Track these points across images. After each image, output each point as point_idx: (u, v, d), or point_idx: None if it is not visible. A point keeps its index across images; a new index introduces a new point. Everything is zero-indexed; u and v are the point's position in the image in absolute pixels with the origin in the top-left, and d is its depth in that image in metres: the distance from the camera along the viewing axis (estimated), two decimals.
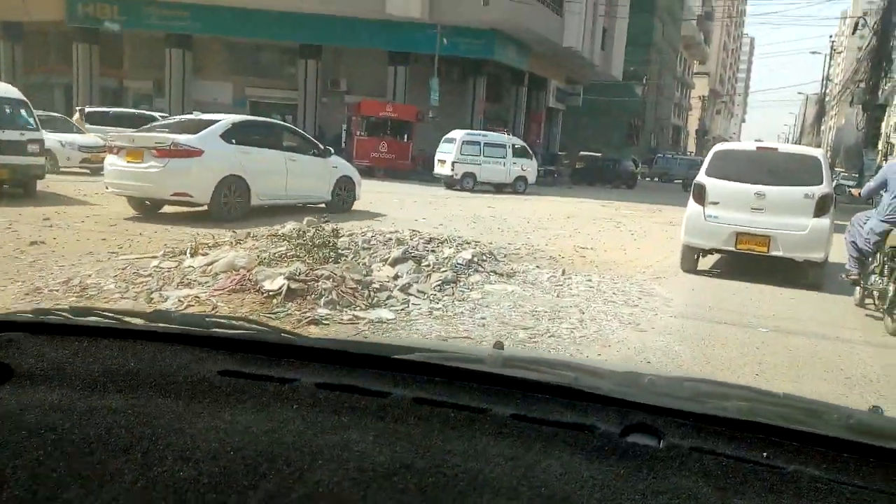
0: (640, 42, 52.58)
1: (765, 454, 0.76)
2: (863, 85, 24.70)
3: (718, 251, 8.32)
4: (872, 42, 23.80)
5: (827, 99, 50.51)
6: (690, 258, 8.33)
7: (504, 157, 21.26)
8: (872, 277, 6.52)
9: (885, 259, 6.32)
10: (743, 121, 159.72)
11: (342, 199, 11.85)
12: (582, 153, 34.37)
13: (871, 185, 7.04)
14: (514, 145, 22.11)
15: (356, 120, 24.32)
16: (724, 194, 7.91)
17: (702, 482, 0.69)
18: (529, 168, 22.17)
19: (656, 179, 42.19)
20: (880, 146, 24.24)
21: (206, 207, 9.63)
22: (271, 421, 0.78)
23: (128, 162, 9.44)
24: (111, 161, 9.84)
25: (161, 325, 1.13)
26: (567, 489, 0.66)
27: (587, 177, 31.21)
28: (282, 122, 14.16)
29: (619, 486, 0.67)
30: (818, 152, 8.62)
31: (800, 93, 74.85)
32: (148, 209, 10.00)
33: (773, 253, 7.74)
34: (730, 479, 0.71)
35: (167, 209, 10.04)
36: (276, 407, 0.82)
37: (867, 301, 6.84)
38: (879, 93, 23.22)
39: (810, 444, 0.78)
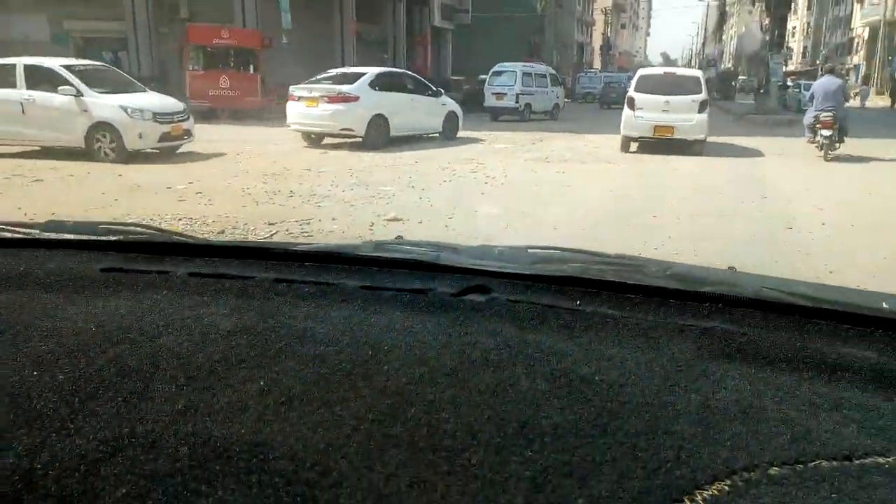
0: None
1: (577, 302, 0.87)
2: None
3: (643, 138, 12.34)
4: None
5: (729, 2, 48.43)
6: (627, 144, 12.51)
7: (547, 87, 22.36)
8: (816, 136, 11.56)
9: (818, 126, 11.39)
10: (648, 34, 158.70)
11: (450, 129, 14.47)
12: (480, 77, 30.86)
13: (809, 96, 12.28)
14: (550, 74, 23.52)
15: (186, 51, 20.10)
16: (645, 102, 12.12)
17: (508, 324, 0.80)
18: (561, 95, 24.09)
19: (580, 101, 38.38)
20: (785, 49, 22.21)
21: (360, 139, 12.32)
22: (139, 304, 0.86)
23: (307, 107, 12.20)
24: (293, 106, 12.54)
25: (55, 234, 1.20)
26: (384, 336, 0.77)
27: (478, 103, 27.90)
28: (406, 71, 15.85)
29: (432, 331, 0.78)
30: (699, 73, 14.03)
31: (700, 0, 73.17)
32: (313, 141, 12.87)
33: (676, 136, 11.99)
34: (532, 321, 0.82)
35: (326, 140, 12.95)
36: (146, 293, 0.90)
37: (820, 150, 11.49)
38: None
39: (626, 292, 0.90)
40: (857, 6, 64.45)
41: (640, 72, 13.36)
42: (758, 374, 0.70)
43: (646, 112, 11.99)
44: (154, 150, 10.65)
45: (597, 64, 75.21)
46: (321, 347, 0.74)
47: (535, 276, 0.97)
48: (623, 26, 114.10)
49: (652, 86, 12.35)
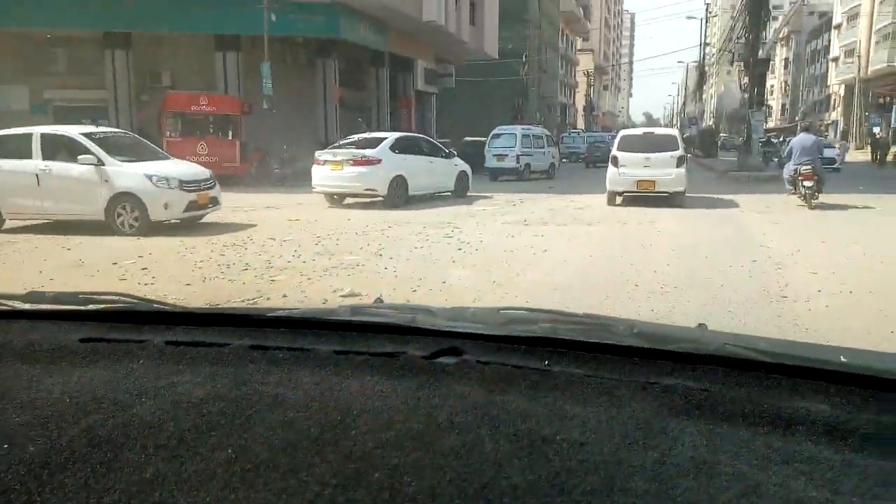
0: (515, 18, 50.03)
1: (545, 362, 0.88)
2: (742, 41, 22.40)
3: (628, 192, 13.32)
4: None
5: (708, 63, 49.48)
6: (613, 198, 13.45)
7: (544, 148, 23.29)
8: (798, 188, 12.56)
9: (800, 178, 12.45)
10: (630, 95, 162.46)
11: (461, 188, 15.70)
12: (466, 139, 30.87)
13: (787, 152, 13.42)
14: (546, 135, 24.76)
15: (164, 118, 19.93)
16: (628, 159, 13.17)
17: (476, 385, 0.82)
18: (556, 155, 25.12)
19: (563, 160, 38.37)
20: (778, 101, 22.32)
21: (381, 198, 13.19)
22: (115, 374, 0.87)
23: (332, 170, 13.11)
24: (318, 170, 13.43)
25: (35, 305, 1.22)
26: (354, 401, 0.78)
27: (471, 164, 27.75)
28: (422, 136, 17.25)
29: (401, 394, 0.80)
30: (675, 131, 15.77)
31: (679, 62, 75.06)
32: (336, 201, 13.74)
33: (658, 189, 13.02)
34: (500, 382, 0.83)
35: (348, 200, 13.85)
36: (122, 363, 0.91)
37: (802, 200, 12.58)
38: (760, 46, 20.93)
39: (593, 351, 0.92)
40: (832, 65, 66.19)
41: (622, 132, 14.86)
42: (715, 430, 0.72)
43: (628, 168, 13.12)
44: (177, 221, 10.09)
45: (580, 124, 76.38)
46: (291, 413, 0.75)
47: (505, 337, 0.99)
48: (605, 88, 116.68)
49: (633, 145, 13.56)
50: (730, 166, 23.32)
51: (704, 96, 64.81)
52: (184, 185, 9.77)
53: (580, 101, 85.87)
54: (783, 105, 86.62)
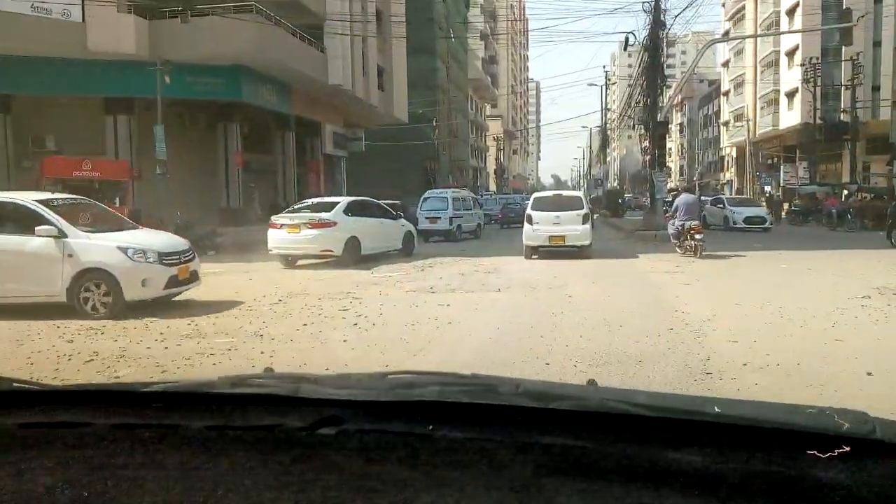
0: (425, 84, 50.80)
1: (430, 427, 0.87)
2: (641, 105, 23.05)
3: (542, 247, 14.78)
4: (644, 59, 22.25)
5: (610, 127, 51.46)
6: (529, 252, 14.86)
7: (472, 209, 24.18)
8: (686, 241, 14.23)
9: (685, 235, 14.20)
10: (539, 158, 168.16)
11: (408, 247, 16.38)
12: (381, 202, 30.25)
13: (673, 211, 15.33)
14: (472, 197, 26.36)
15: (42, 185, 18.30)
16: (541, 218, 14.80)
17: (355, 456, 0.81)
18: (482, 216, 26.04)
19: None
20: (676, 163, 23.03)
21: (335, 258, 14.03)
22: None
23: (288, 233, 14.01)
24: (274, 233, 14.26)
25: None
26: (221, 480, 0.76)
27: None
28: (372, 199, 17.05)
29: (274, 470, 0.78)
30: (580, 193, 18.58)
31: (584, 126, 78.22)
32: (290, 262, 14.44)
33: (567, 243, 14.57)
34: (380, 450, 0.83)
35: (301, 262, 14.59)
36: None
37: (683, 252, 14.35)
38: (658, 111, 21.54)
39: (479, 413, 0.92)
40: (723, 129, 70.57)
41: (535, 195, 17.10)
42: (590, 488, 0.74)
43: (542, 226, 14.67)
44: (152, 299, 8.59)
45: (492, 186, 77.68)
46: (150, 497, 0.72)
47: (391, 403, 0.97)
48: (515, 152, 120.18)
49: (545, 205, 15.27)
50: (637, 226, 23.65)
51: (608, 158, 67.47)
52: (164, 257, 8.40)
53: (491, 165, 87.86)
54: (681, 166, 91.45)
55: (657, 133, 20.75)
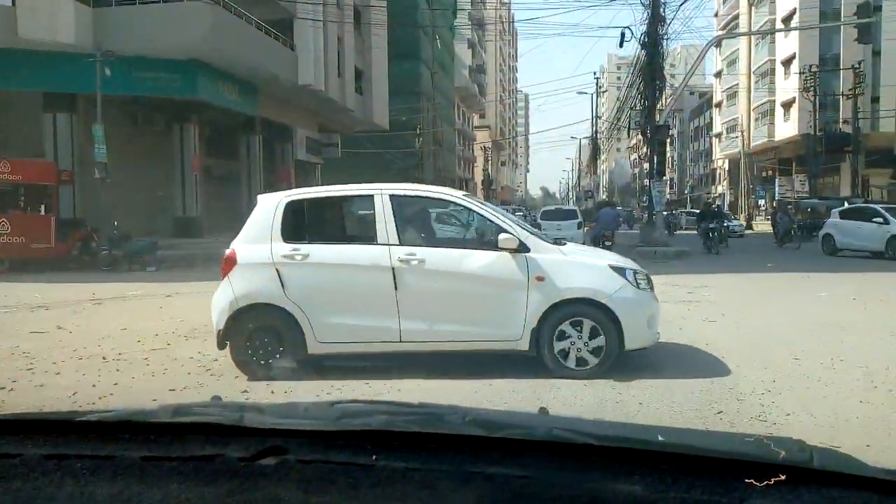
0: (408, 90, 48.65)
1: (374, 457, 0.86)
2: (639, 108, 20.88)
3: None
4: (642, 58, 20.15)
5: (601, 135, 49.49)
6: None
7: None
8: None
9: (604, 240, 17.31)
10: (527, 170, 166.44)
11: None
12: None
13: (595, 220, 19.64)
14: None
15: None
16: (547, 225, 20.13)
17: (293, 488, 0.80)
18: None
19: None
20: (667, 175, 21.12)
21: None
22: None
23: None
24: None
25: None
26: None
27: None
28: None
29: (211, 502, 0.77)
30: (575, 207, 28.90)
31: (573, 137, 76.58)
32: None
33: None
34: (320, 481, 0.82)
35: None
36: None
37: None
38: (657, 112, 19.39)
39: (426, 442, 0.92)
40: (715, 140, 68.95)
41: (543, 209, 23.19)
42: None
43: (548, 231, 16.66)
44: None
45: (479, 197, 75.51)
46: None
47: (336, 433, 0.96)
48: (503, 163, 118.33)
49: (550, 216, 21.96)
50: (633, 241, 21.52)
51: (599, 170, 65.61)
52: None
53: (479, 176, 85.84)
54: (671, 179, 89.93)
55: (657, 138, 18.62)
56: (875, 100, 42.69)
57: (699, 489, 0.80)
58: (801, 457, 0.89)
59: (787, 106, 49.88)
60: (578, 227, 20.40)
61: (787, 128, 50.11)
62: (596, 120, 46.95)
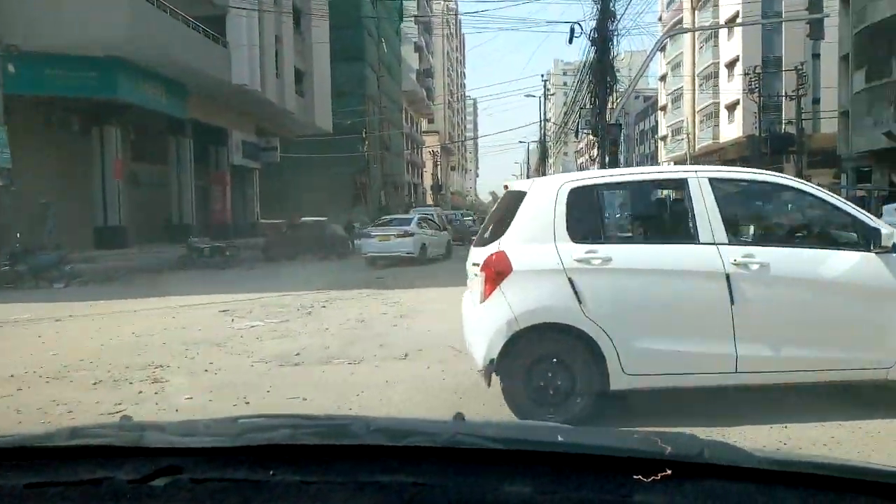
0: (353, 93, 47.28)
1: (272, 472, 0.86)
2: (589, 107, 20.08)
3: None
4: (591, 56, 19.36)
5: (549, 138, 48.98)
6: None
7: (439, 230, 23.61)
8: None
9: None
10: (477, 175, 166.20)
11: (448, 252, 21.13)
12: (304, 219, 26.29)
13: None
14: (440, 217, 27.43)
15: None
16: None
17: None
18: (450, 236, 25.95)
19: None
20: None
21: (414, 258, 18.47)
22: None
23: (379, 241, 18.75)
24: (368, 242, 19.17)
25: None
26: None
27: (285, 250, 23.29)
28: (430, 215, 24.31)
29: None
30: None
31: (521, 141, 76.36)
32: (372, 261, 18.68)
33: None
34: (211, 500, 0.81)
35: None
36: None
37: None
38: (609, 111, 18.60)
39: (329, 454, 0.91)
40: (661, 143, 69.52)
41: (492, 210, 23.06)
42: None
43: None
44: None
45: (429, 202, 74.39)
46: None
47: (238, 449, 0.94)
48: (453, 168, 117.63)
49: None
50: None
51: (547, 174, 65.28)
52: None
53: (428, 181, 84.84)
54: None
55: (610, 137, 17.79)
56: (816, 101, 43.31)
57: (588, 487, 0.82)
58: (692, 451, 0.91)
59: (730, 108, 50.36)
60: None
61: (731, 129, 50.58)
62: (544, 123, 46.39)
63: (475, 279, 4.42)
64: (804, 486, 0.82)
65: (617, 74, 19.37)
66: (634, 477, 0.82)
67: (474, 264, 4.49)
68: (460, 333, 4.74)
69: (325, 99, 35.84)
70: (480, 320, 4.22)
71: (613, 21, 18.85)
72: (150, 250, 20.82)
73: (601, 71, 18.78)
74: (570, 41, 18.75)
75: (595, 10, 19.23)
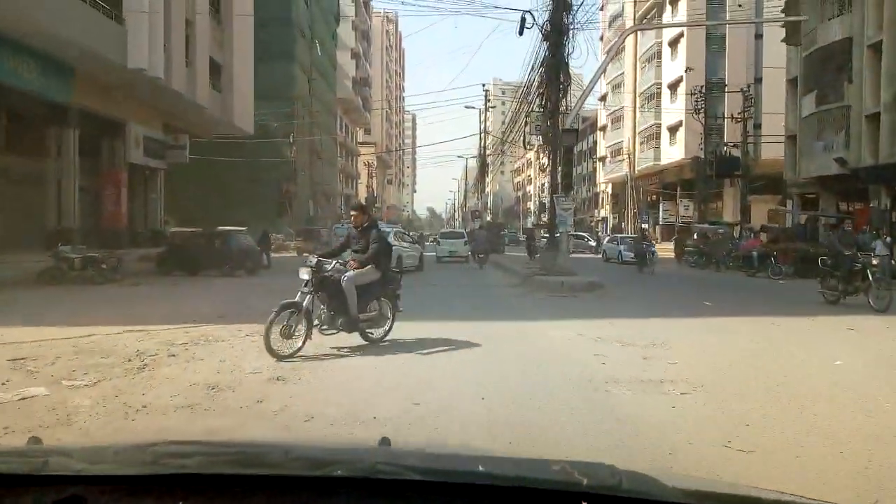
0: (280, 95, 43.90)
1: (181, 503, 0.83)
2: (539, 110, 17.57)
3: (445, 258, 28.48)
4: (544, 53, 16.92)
5: (490, 150, 46.68)
6: (439, 259, 28.50)
7: (414, 245, 24.84)
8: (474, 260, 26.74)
9: (480, 256, 26.42)
10: (414, 190, 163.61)
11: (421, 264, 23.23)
12: (219, 228, 22.76)
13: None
14: (413, 234, 33.89)
15: None
16: (444, 242, 30.26)
17: None
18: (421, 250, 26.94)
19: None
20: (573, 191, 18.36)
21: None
22: None
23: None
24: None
25: None
26: None
27: (184, 262, 19.85)
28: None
29: None
30: (463, 230, 36.58)
31: (459, 156, 74.38)
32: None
33: (458, 255, 28.21)
34: None
35: None
36: None
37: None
38: (562, 114, 16.11)
39: (247, 484, 0.88)
40: (599, 164, 68.55)
41: (442, 230, 35.50)
42: None
43: (443, 246, 28.91)
44: None
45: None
46: None
47: (148, 478, 0.91)
48: (389, 181, 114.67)
49: (446, 236, 31.73)
50: (530, 268, 18.15)
51: (487, 189, 63.21)
52: None
53: (363, 193, 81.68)
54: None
55: (564, 144, 15.35)
56: (757, 126, 42.62)
57: None
58: (610, 482, 0.90)
59: (673, 130, 49.44)
60: (465, 244, 27.90)
61: (672, 151, 49.64)
62: (484, 134, 44.14)
63: None
64: None
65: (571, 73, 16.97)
66: None
67: None
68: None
69: (247, 97, 32.42)
70: None
71: (569, 13, 16.48)
72: (10, 259, 17.09)
73: (555, 66, 16.36)
74: (521, 32, 16.33)
75: (548, 1, 16.90)
